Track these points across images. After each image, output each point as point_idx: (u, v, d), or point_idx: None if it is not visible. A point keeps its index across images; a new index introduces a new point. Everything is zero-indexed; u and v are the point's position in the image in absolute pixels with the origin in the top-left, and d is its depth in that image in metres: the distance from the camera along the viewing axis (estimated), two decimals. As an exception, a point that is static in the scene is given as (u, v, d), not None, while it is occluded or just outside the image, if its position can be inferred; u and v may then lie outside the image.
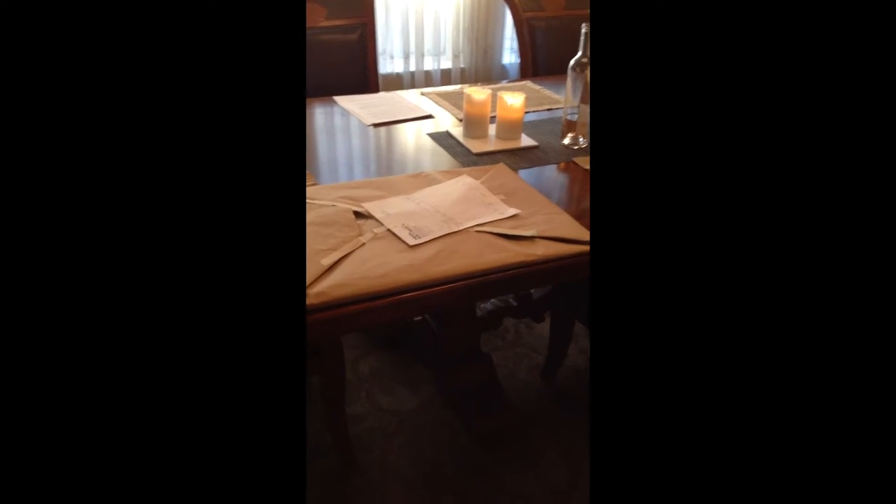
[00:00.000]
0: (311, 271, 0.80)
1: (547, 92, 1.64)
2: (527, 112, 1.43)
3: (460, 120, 1.39)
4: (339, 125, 1.39)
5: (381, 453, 1.37)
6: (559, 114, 1.46)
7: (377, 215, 0.95)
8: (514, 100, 1.25)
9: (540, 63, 1.88)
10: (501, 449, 1.38)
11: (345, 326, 0.80)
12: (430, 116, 1.44)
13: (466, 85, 1.67)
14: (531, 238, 0.91)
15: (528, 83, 1.71)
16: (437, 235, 0.90)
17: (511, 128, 1.28)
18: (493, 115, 1.31)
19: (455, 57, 2.68)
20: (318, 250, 0.84)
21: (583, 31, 1.21)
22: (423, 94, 1.59)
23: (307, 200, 0.99)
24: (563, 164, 1.22)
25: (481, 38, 2.68)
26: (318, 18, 1.67)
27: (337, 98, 1.52)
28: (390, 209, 0.97)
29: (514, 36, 2.31)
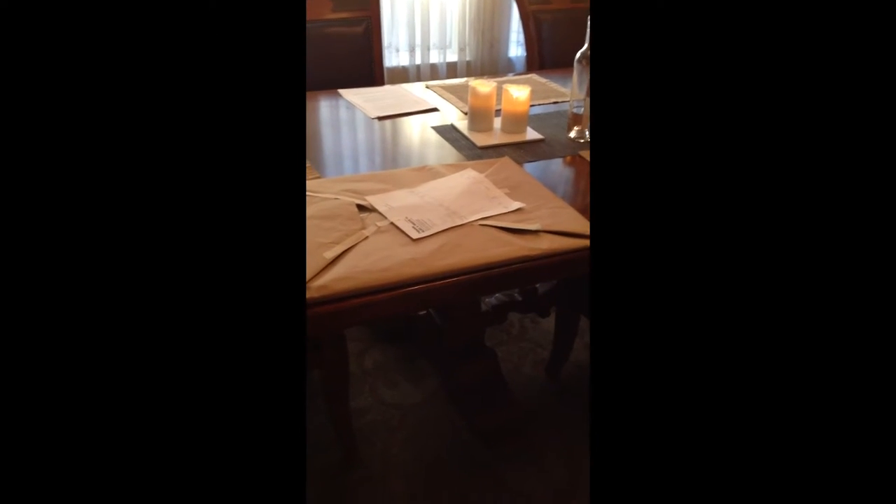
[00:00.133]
0: (313, 264, 0.79)
1: (553, 85, 1.62)
2: (532, 105, 1.42)
3: (465, 113, 1.38)
4: (344, 118, 1.38)
5: (383, 447, 1.37)
6: (565, 107, 1.45)
7: (380, 209, 0.95)
8: (519, 93, 1.24)
9: (546, 56, 1.87)
10: (504, 445, 1.38)
11: (347, 320, 0.80)
12: (435, 110, 1.43)
13: (472, 78, 1.66)
14: (535, 232, 0.90)
15: (534, 76, 1.70)
16: (440, 229, 0.90)
17: (516, 121, 1.27)
18: (498, 108, 1.30)
19: (461, 50, 2.66)
20: (321, 243, 0.84)
21: (589, 23, 1.20)
22: (428, 87, 1.59)
23: (311, 194, 0.98)
24: (568, 158, 1.21)
25: (487, 31, 2.66)
26: (323, 11, 1.67)
27: (342, 91, 1.51)
28: (394, 202, 0.97)
29: (521, 29, 2.29)
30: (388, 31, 2.45)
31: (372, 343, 1.68)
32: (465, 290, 0.84)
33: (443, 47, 2.64)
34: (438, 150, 1.22)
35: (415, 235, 0.88)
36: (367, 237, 0.87)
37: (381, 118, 1.37)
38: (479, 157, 1.18)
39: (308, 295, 0.75)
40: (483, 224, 0.92)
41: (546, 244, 0.87)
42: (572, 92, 1.26)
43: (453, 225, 0.91)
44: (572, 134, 1.29)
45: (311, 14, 1.64)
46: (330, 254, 0.82)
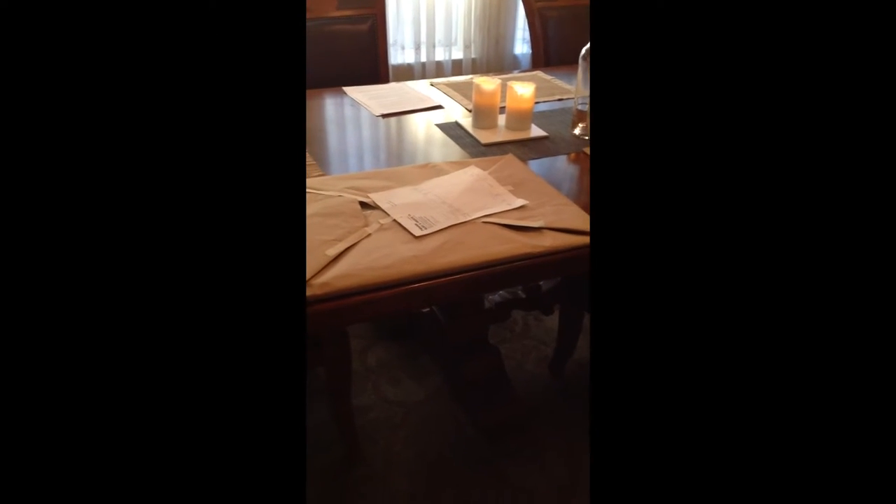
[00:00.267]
0: (316, 262, 0.79)
1: (558, 82, 1.62)
2: (537, 102, 1.41)
3: (470, 110, 1.38)
4: (349, 116, 1.38)
5: (386, 444, 1.37)
6: (570, 104, 1.45)
7: (383, 206, 0.94)
8: (523, 90, 1.24)
9: (552, 53, 1.86)
10: (506, 442, 1.38)
11: (350, 317, 0.80)
12: (439, 107, 1.43)
13: (477, 75, 1.66)
14: (539, 229, 0.90)
15: (539, 73, 1.69)
16: (443, 226, 0.90)
17: (521, 118, 1.27)
18: (502, 105, 1.30)
19: (466, 47, 2.66)
20: (324, 241, 0.84)
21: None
22: (432, 84, 1.58)
23: (314, 191, 0.98)
24: (573, 155, 1.20)
25: (493, 29, 2.65)
26: (328, 9, 1.66)
27: (346, 89, 1.51)
28: (397, 200, 0.96)
29: (526, 26, 2.28)
30: (394, 28, 2.45)
31: (375, 340, 1.68)
32: (468, 288, 0.83)
33: (448, 44, 2.63)
34: (443, 148, 1.22)
35: (417, 233, 0.88)
36: (369, 234, 0.87)
37: (385, 116, 1.37)
38: (483, 155, 1.18)
39: (310, 292, 0.75)
40: (486, 221, 0.92)
41: (549, 241, 0.87)
42: (577, 89, 1.25)
43: (456, 222, 0.91)
44: (577, 131, 1.28)
45: (316, 11, 1.64)
46: (332, 251, 0.82)
